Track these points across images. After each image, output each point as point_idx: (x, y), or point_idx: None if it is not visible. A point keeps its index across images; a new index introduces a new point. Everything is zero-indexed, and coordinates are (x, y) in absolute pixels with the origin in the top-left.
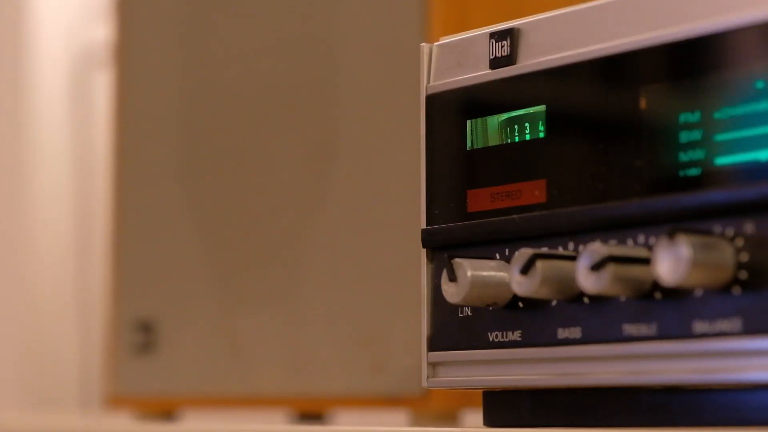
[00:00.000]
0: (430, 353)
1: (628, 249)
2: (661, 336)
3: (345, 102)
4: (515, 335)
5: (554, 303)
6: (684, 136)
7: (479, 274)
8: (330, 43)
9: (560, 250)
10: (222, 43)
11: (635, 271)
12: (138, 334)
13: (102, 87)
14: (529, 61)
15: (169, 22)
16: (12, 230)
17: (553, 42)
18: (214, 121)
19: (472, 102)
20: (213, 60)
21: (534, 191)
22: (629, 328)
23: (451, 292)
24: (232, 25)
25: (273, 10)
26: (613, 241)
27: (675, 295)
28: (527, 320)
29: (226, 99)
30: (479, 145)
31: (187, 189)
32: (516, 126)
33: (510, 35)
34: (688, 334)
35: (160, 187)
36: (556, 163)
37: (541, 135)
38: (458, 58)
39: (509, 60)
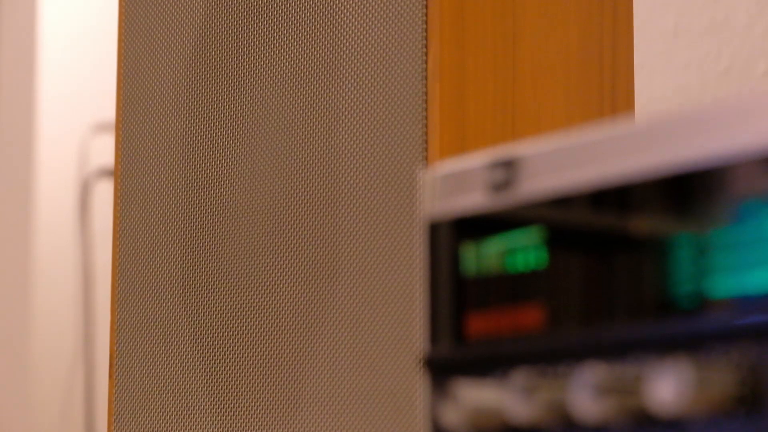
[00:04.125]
0: None
1: (627, 374)
2: None
3: (344, 222)
4: None
5: (553, 429)
6: (680, 262)
7: (477, 399)
8: (329, 164)
9: (558, 375)
10: (222, 161)
11: (633, 397)
12: None
13: (103, 202)
14: (528, 189)
15: (170, 141)
16: (16, 344)
17: (551, 170)
18: (214, 239)
19: (471, 228)
20: (213, 178)
21: (532, 316)
22: None
23: (450, 417)
24: (232, 144)
25: (273, 129)
26: (611, 367)
27: (675, 422)
28: None
29: (227, 217)
30: (478, 269)
31: (187, 307)
32: (514, 251)
33: (508, 163)
34: None
35: (160, 305)
36: (555, 289)
37: (540, 261)
38: (457, 184)
39: (508, 187)
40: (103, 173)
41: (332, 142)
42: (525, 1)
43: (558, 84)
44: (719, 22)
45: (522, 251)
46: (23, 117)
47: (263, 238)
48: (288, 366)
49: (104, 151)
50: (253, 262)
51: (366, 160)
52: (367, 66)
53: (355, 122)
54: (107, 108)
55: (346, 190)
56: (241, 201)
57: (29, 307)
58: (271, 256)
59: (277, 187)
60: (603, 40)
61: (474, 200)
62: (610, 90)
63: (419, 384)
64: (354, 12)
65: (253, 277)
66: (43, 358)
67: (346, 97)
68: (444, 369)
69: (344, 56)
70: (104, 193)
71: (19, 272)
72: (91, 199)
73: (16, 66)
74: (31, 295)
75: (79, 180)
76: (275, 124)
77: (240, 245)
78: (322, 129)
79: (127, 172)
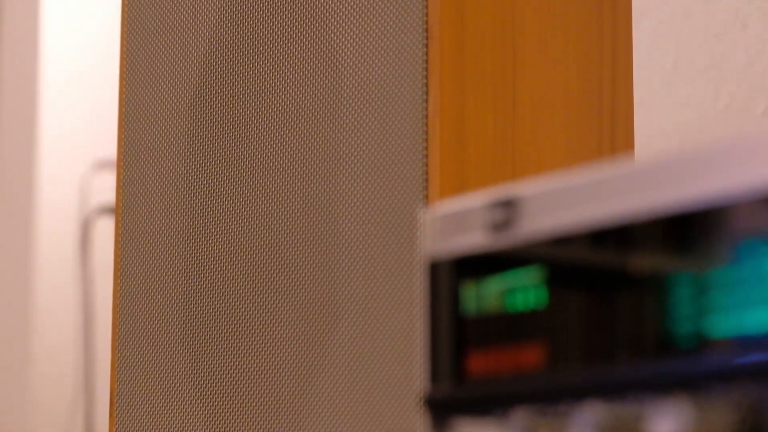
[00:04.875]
0: None
1: (627, 414)
2: None
3: (345, 262)
4: None
5: None
6: (679, 301)
7: None
8: (330, 204)
9: (558, 415)
10: (222, 204)
11: None
12: None
13: (104, 240)
14: (527, 228)
15: (171, 181)
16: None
17: (551, 209)
18: (215, 280)
19: (471, 267)
20: (214, 220)
21: (532, 355)
22: None
23: None
24: (232, 187)
25: (274, 172)
26: (611, 406)
27: None
28: None
29: (227, 259)
30: (478, 309)
31: (188, 348)
32: (514, 291)
33: (508, 202)
34: None
35: (161, 345)
36: (555, 328)
37: (539, 300)
38: (457, 224)
39: (508, 226)
40: (104, 211)
41: (333, 183)
42: (525, 39)
43: (558, 121)
44: (718, 59)
45: (522, 290)
46: (25, 154)
47: (264, 279)
48: (289, 407)
49: (105, 188)
50: (253, 304)
51: (366, 199)
52: (367, 106)
53: (355, 162)
54: (108, 146)
55: (346, 230)
56: (241, 242)
57: (30, 343)
58: (271, 297)
59: (277, 228)
60: (602, 78)
61: (474, 240)
62: (610, 127)
63: (420, 423)
64: (354, 52)
65: (253, 319)
66: (44, 395)
67: (347, 137)
68: (444, 408)
69: (344, 96)
70: (105, 231)
71: (20, 308)
72: (91, 236)
73: (18, 103)
74: (32, 332)
75: (80, 217)
76: (276, 167)
77: (240, 287)
78: (322, 169)
79: (128, 212)
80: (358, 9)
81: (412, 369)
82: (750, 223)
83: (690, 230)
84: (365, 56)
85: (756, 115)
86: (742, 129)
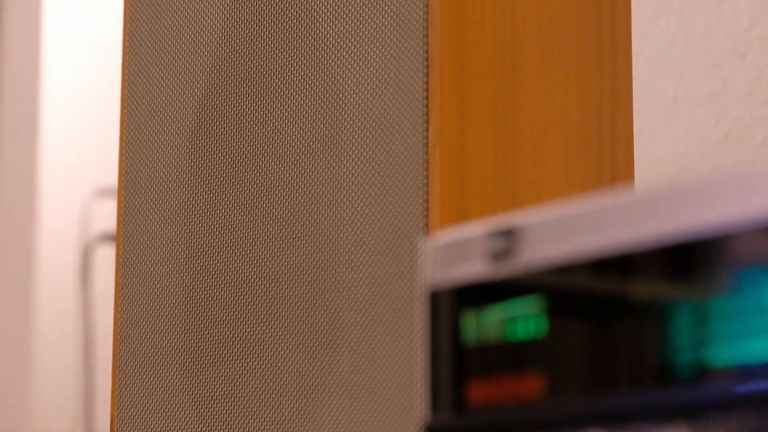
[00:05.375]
0: None
1: None
2: None
3: (345, 290)
4: None
5: None
6: (679, 330)
7: None
8: (331, 232)
9: None
10: (223, 230)
11: None
12: None
13: (104, 267)
14: (528, 258)
15: (172, 208)
16: (16, 407)
17: (551, 239)
18: (215, 306)
19: (472, 296)
20: (215, 246)
21: (533, 384)
22: None
23: None
24: (233, 212)
25: (275, 199)
26: None
27: None
28: None
29: (228, 285)
30: (479, 338)
31: (189, 375)
32: (515, 320)
33: (509, 232)
34: None
35: (161, 373)
36: (555, 357)
37: (540, 329)
38: (458, 253)
39: (508, 256)
40: (105, 238)
41: (334, 211)
42: (525, 68)
43: (558, 150)
44: (718, 89)
45: (522, 320)
46: (26, 180)
47: (265, 307)
48: None
49: (106, 215)
50: (254, 331)
51: (367, 228)
52: (367, 135)
53: (356, 191)
54: (109, 173)
55: (347, 259)
56: (242, 269)
57: (30, 369)
58: (272, 324)
59: (278, 255)
60: (603, 107)
61: (474, 269)
62: (610, 156)
63: None
64: (355, 81)
65: (254, 345)
66: (44, 422)
67: (347, 166)
68: None
69: (345, 125)
70: (105, 258)
71: (20, 335)
72: (92, 263)
73: (19, 130)
74: (32, 359)
75: (81, 244)
76: (277, 194)
77: (241, 314)
78: (323, 198)
79: (129, 239)
80: (358, 38)
81: (412, 398)
82: (750, 252)
83: (690, 259)
84: (365, 85)
85: (756, 144)
86: (741, 158)
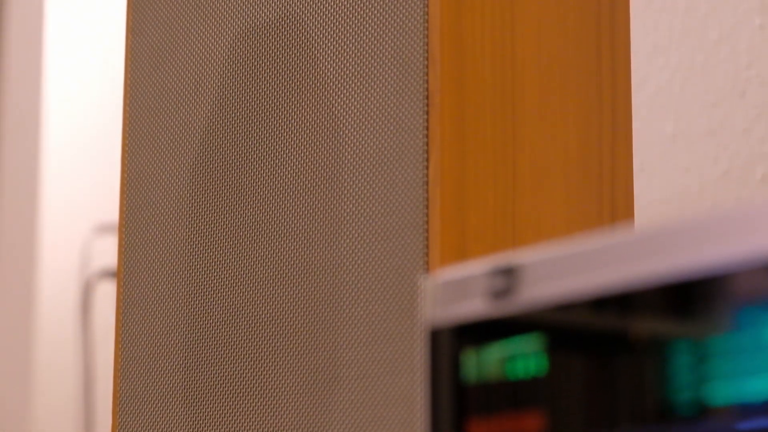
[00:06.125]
0: None
1: None
2: None
3: (346, 329)
4: None
5: None
6: (679, 369)
7: None
8: (331, 271)
9: None
10: (224, 268)
11: None
12: None
13: (105, 304)
14: (528, 296)
15: (173, 246)
16: None
17: (551, 277)
18: (216, 345)
19: (472, 334)
20: (215, 284)
21: (533, 423)
22: None
23: None
24: (234, 251)
25: (275, 237)
26: None
27: None
28: None
29: (228, 323)
30: (479, 376)
31: (189, 414)
32: (515, 358)
33: (509, 270)
34: None
35: (162, 411)
36: (555, 396)
37: (540, 367)
38: (458, 291)
39: (508, 294)
40: (105, 274)
41: (334, 249)
42: (524, 105)
43: (558, 188)
44: (717, 126)
45: (522, 358)
46: (26, 216)
47: (266, 344)
48: None
49: (106, 252)
50: (255, 369)
51: (368, 265)
52: (368, 172)
53: (356, 228)
54: (110, 209)
55: (347, 297)
56: (242, 307)
57: (31, 405)
58: (273, 362)
59: (278, 294)
60: (602, 144)
61: (474, 307)
62: (610, 193)
63: None
64: (355, 119)
65: (255, 384)
66: None
67: (348, 204)
68: None
69: (346, 163)
70: (106, 295)
71: (21, 371)
72: (92, 299)
73: (20, 166)
74: (33, 395)
75: (81, 281)
76: (277, 233)
77: (242, 352)
78: (323, 237)
79: (129, 276)
80: (359, 76)
81: None
82: (750, 290)
83: (690, 297)
84: (366, 123)
85: (755, 182)
86: (741, 195)
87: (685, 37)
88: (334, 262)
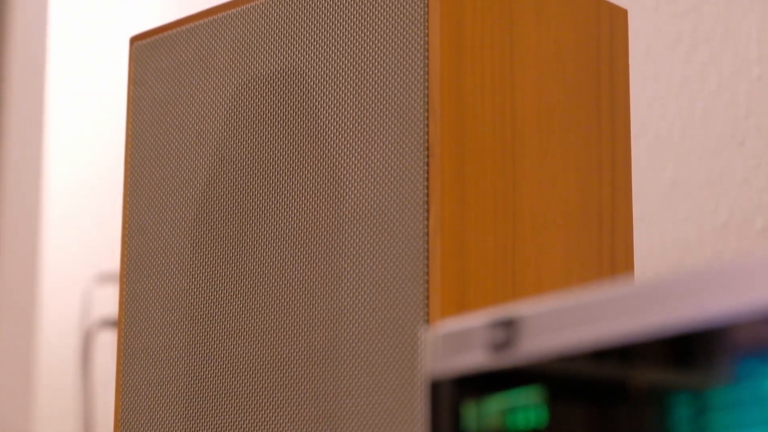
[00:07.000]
0: None
1: None
2: None
3: (346, 381)
4: None
5: None
6: (679, 421)
7: None
8: (331, 323)
9: None
10: (225, 320)
11: None
12: None
13: (105, 353)
14: (528, 348)
15: (173, 297)
16: None
17: (551, 329)
18: (217, 396)
19: (472, 386)
20: (216, 336)
21: None
22: None
23: None
24: (235, 302)
25: (275, 288)
26: None
27: None
28: None
29: (229, 373)
30: (479, 428)
31: None
32: (515, 410)
33: (509, 322)
34: None
35: None
36: None
37: (540, 419)
38: (458, 343)
39: (508, 346)
40: (106, 324)
41: (334, 300)
42: (524, 156)
43: (558, 239)
44: (716, 176)
45: (523, 410)
46: (27, 265)
47: (268, 393)
48: None
49: (107, 301)
50: (258, 418)
51: (368, 317)
52: (368, 224)
53: (357, 279)
54: (111, 259)
55: (348, 348)
56: (244, 358)
57: None
58: (274, 411)
59: (279, 345)
60: (602, 193)
61: (475, 359)
62: (610, 242)
63: None
64: (355, 170)
65: (257, 426)
66: None
67: (348, 255)
68: None
69: (346, 214)
70: (106, 344)
71: (21, 420)
72: (92, 349)
73: (20, 215)
74: None
75: (82, 330)
76: (278, 284)
77: (243, 402)
78: (324, 288)
79: (130, 326)
80: (359, 128)
81: None
82: (750, 342)
83: (690, 349)
84: (367, 175)
85: (755, 232)
86: (740, 246)
87: (684, 86)
88: (336, 312)
